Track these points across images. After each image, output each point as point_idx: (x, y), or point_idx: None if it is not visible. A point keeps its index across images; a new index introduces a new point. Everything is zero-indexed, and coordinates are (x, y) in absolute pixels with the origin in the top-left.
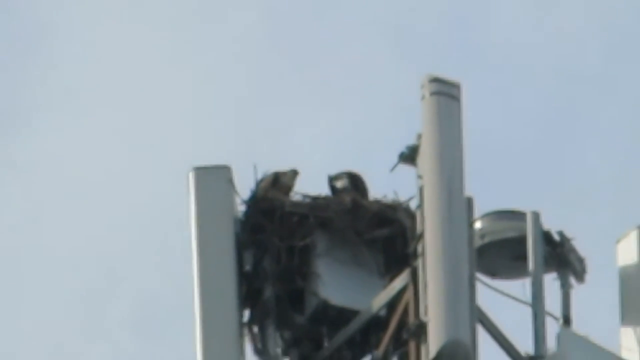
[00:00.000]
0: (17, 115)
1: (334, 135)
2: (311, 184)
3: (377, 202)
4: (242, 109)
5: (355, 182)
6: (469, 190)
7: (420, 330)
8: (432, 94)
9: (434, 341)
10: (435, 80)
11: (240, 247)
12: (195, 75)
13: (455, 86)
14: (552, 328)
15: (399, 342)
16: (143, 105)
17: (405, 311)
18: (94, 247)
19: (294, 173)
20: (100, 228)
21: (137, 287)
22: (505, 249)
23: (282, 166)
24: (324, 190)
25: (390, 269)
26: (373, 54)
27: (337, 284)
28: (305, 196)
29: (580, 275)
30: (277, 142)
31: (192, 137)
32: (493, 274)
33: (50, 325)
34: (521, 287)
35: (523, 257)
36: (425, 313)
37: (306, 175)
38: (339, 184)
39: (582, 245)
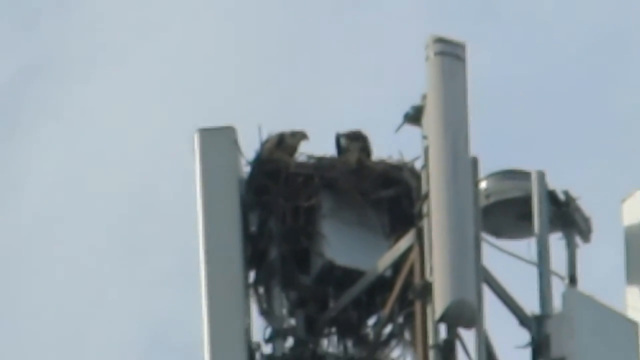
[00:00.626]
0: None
1: (339, 96)
2: (316, 145)
3: (382, 162)
4: (248, 70)
5: (361, 142)
6: (473, 150)
7: (426, 291)
8: (437, 54)
9: (440, 301)
10: (440, 40)
11: (246, 209)
12: (201, 35)
13: (460, 46)
14: (557, 288)
15: (404, 303)
16: (148, 65)
17: (411, 271)
18: (103, 205)
19: (300, 135)
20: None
21: (142, 249)
22: (510, 209)
23: (287, 127)
24: (328, 151)
25: (396, 230)
26: (376, 15)
27: (342, 245)
28: (310, 157)
29: (585, 235)
30: (281, 103)
31: (197, 98)
32: (498, 234)
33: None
34: (526, 246)
35: (528, 217)
36: (431, 273)
37: (311, 136)
38: (344, 143)
39: (587, 204)
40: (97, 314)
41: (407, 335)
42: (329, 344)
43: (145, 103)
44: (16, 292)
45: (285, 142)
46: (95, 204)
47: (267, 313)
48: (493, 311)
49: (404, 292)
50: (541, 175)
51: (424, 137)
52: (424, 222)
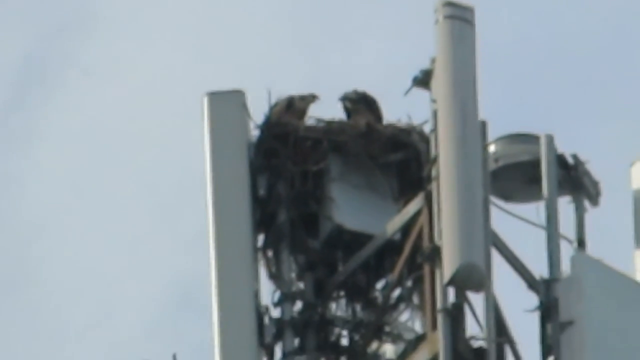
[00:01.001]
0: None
1: (348, 60)
2: (325, 109)
3: (391, 125)
4: (256, 34)
5: (370, 105)
6: (482, 113)
7: (435, 254)
8: (446, 17)
9: (448, 265)
10: (449, 3)
11: (254, 172)
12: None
13: (469, 9)
14: (566, 251)
15: (413, 266)
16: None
17: (420, 235)
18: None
19: (311, 97)
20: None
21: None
22: (519, 173)
23: (295, 91)
24: (337, 115)
25: (405, 193)
26: None
27: (351, 208)
28: (319, 120)
29: (594, 199)
30: (290, 67)
31: (207, 61)
32: (507, 197)
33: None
34: (535, 210)
35: (537, 181)
36: (440, 237)
37: (320, 100)
38: (351, 105)
39: (596, 168)
40: (127, 275)
41: (415, 298)
42: (338, 307)
43: (155, 66)
44: (50, 252)
45: (295, 106)
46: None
47: (275, 277)
48: (501, 275)
49: (412, 255)
50: (550, 139)
51: (433, 101)
52: (433, 186)
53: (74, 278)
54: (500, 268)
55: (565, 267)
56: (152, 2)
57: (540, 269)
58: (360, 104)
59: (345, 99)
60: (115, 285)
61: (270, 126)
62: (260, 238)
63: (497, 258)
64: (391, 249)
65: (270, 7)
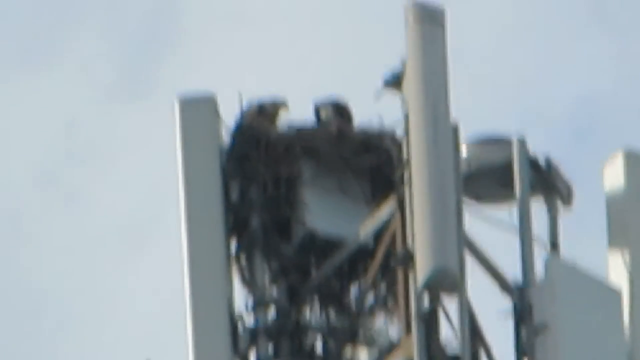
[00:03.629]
0: None
1: (318, 62)
2: (296, 112)
3: (362, 129)
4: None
5: (341, 111)
6: (454, 116)
7: (408, 258)
8: (416, 19)
9: (422, 269)
10: (419, 5)
11: (227, 178)
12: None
13: (439, 11)
14: (540, 253)
15: (386, 271)
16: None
17: (393, 239)
18: None
19: (281, 104)
20: None
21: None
22: (491, 175)
23: (266, 95)
24: (308, 117)
25: (377, 197)
26: None
27: (324, 213)
28: (291, 126)
29: (567, 200)
30: (260, 69)
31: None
32: (480, 200)
33: None
34: (508, 213)
35: (510, 183)
36: (413, 241)
37: (290, 102)
38: (324, 114)
39: (568, 170)
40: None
41: (389, 303)
42: (312, 313)
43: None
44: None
45: (266, 111)
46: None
47: (249, 283)
48: (475, 278)
49: (386, 260)
50: (522, 142)
51: (404, 103)
52: (405, 190)
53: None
54: (473, 271)
55: (539, 270)
56: None
57: (514, 272)
58: (331, 109)
59: (317, 108)
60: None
61: (242, 131)
62: (233, 244)
63: (470, 261)
64: (364, 253)
65: (244, 8)
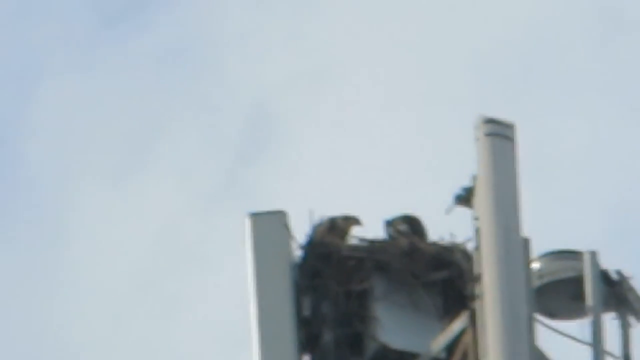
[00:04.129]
0: None
1: (389, 178)
2: (367, 229)
3: (434, 244)
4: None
5: (414, 225)
6: (525, 230)
7: None
8: (487, 134)
9: None
10: (490, 121)
11: (299, 292)
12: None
13: (509, 126)
14: None
15: None
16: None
17: (465, 354)
18: None
19: (353, 220)
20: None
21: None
22: (563, 289)
23: (337, 213)
24: (379, 234)
25: (449, 312)
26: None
27: (396, 328)
28: (362, 240)
29: (639, 314)
30: (330, 188)
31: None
32: (552, 314)
33: None
34: (580, 327)
35: (581, 297)
36: (485, 355)
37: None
38: (399, 227)
39: None
40: None
41: None
42: None
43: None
44: None
45: (337, 227)
46: None
47: None
48: None
49: None
50: (593, 255)
51: (475, 219)
52: (477, 304)
53: None
54: None
55: None
56: None
57: None
58: (402, 223)
59: (390, 224)
60: None
61: (313, 246)
62: (306, 359)
63: None
64: None
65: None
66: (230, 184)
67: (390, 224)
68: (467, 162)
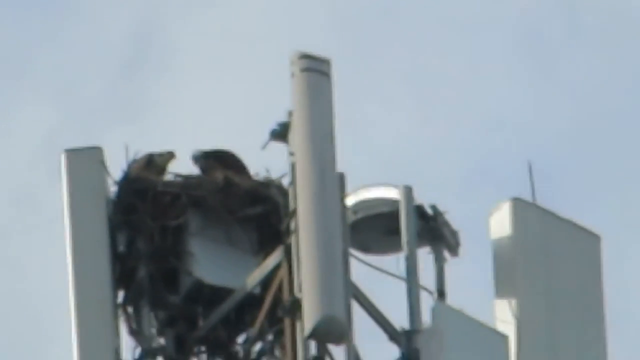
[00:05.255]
0: None
1: (204, 113)
2: (182, 163)
3: (249, 179)
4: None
5: (226, 159)
6: (340, 166)
7: (295, 307)
8: (302, 70)
9: (309, 318)
10: (305, 56)
11: (113, 228)
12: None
13: (325, 62)
14: (427, 302)
15: (274, 320)
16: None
17: (280, 288)
18: None
19: (169, 155)
20: None
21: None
22: (378, 224)
23: (152, 145)
24: (195, 169)
25: (264, 247)
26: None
27: (211, 263)
28: (177, 175)
29: (454, 249)
30: (146, 120)
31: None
32: (367, 249)
33: None
34: (395, 261)
35: (396, 232)
36: (300, 290)
37: (179, 157)
38: (202, 163)
39: (454, 218)
40: None
41: (277, 352)
42: None
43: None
44: None
45: (154, 162)
46: None
47: (136, 333)
48: (363, 327)
49: (273, 309)
50: (408, 190)
51: (291, 154)
52: (292, 239)
53: None
54: (361, 320)
55: (426, 317)
56: None
57: (401, 320)
58: (213, 161)
59: (195, 159)
60: None
61: (128, 182)
62: (121, 294)
63: (358, 310)
64: (251, 303)
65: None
66: None
67: (197, 158)
68: (283, 97)
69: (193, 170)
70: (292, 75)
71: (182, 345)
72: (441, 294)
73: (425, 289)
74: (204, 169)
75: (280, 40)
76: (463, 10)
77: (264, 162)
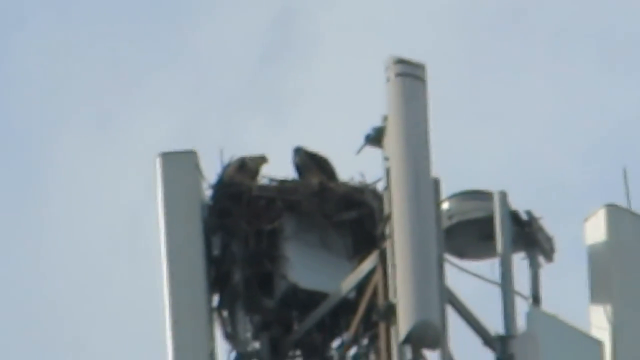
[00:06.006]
0: None
1: (301, 120)
2: (278, 170)
3: (344, 184)
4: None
5: (321, 164)
6: (435, 171)
7: (390, 312)
8: (397, 75)
9: (404, 322)
10: (400, 61)
11: (209, 232)
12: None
13: (420, 67)
14: (521, 308)
15: (368, 324)
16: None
17: (375, 293)
18: None
19: (262, 159)
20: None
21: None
22: (473, 229)
23: (247, 152)
24: (289, 175)
25: (359, 251)
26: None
27: (305, 267)
28: (272, 180)
29: (548, 254)
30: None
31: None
32: (461, 254)
33: None
34: (490, 267)
35: (491, 237)
36: (395, 295)
37: (272, 161)
38: (301, 162)
39: (550, 224)
40: None
41: (371, 357)
42: None
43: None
44: None
45: (247, 166)
46: None
47: (231, 337)
48: (457, 332)
49: (368, 313)
50: (503, 196)
51: (386, 159)
52: (387, 244)
53: None
54: (455, 325)
55: (521, 323)
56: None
57: (495, 326)
58: (311, 163)
59: (296, 155)
60: None
61: (223, 186)
62: (216, 298)
63: (452, 315)
64: (346, 307)
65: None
66: None
67: (296, 156)
68: (378, 102)
69: (284, 174)
70: (387, 80)
71: (277, 349)
72: (536, 299)
73: (520, 295)
74: (299, 167)
75: (376, 45)
76: (554, 21)
77: (359, 167)
